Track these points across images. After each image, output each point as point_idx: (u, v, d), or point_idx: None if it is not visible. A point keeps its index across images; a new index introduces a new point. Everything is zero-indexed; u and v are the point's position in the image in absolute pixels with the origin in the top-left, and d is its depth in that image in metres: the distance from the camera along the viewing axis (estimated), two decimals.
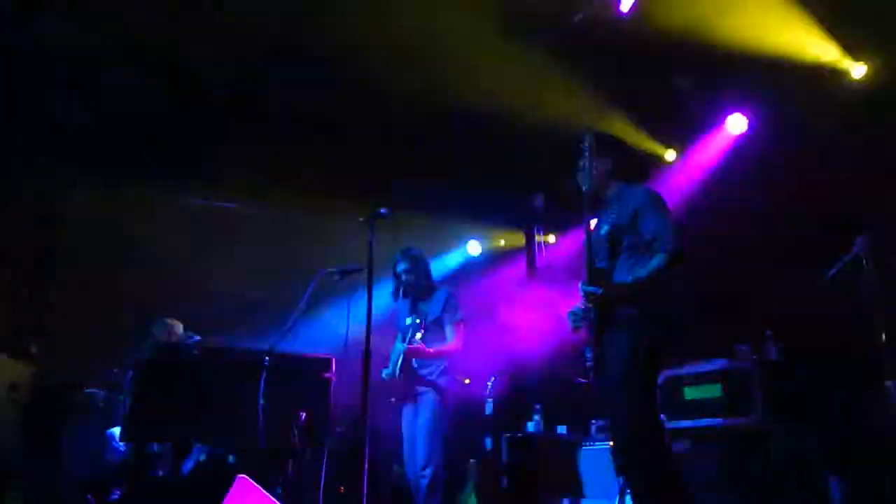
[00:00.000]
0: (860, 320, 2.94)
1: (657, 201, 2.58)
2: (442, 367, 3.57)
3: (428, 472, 3.37)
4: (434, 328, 3.59)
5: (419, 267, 3.68)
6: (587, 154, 2.63)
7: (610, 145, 2.76)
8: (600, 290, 2.42)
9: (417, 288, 3.67)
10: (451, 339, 3.57)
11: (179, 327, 4.60)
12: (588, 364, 2.51)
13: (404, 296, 3.72)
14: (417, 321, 3.45)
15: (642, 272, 2.45)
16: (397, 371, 3.52)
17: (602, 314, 2.46)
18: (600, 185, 2.69)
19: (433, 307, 3.63)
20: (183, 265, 5.73)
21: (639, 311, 2.45)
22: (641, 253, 2.52)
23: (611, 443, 4.23)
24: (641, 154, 2.83)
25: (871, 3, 3.78)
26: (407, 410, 3.59)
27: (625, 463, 2.37)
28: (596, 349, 2.48)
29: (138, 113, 5.11)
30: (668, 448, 2.43)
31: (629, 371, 2.37)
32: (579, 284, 2.49)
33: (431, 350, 3.51)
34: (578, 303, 2.58)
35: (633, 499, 2.35)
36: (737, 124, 4.79)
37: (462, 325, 3.63)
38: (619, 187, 2.70)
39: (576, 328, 2.60)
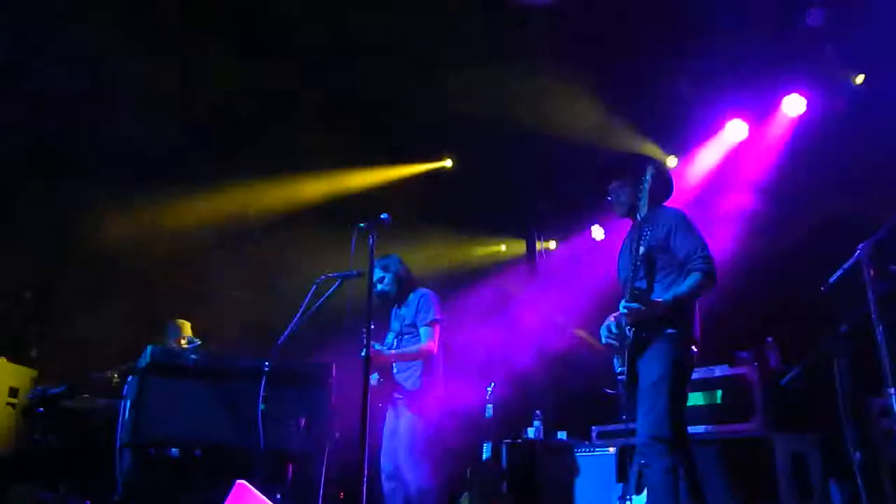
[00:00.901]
0: (861, 327, 2.94)
1: (688, 222, 2.73)
2: (419, 371, 3.51)
3: (413, 478, 3.33)
4: (411, 331, 3.57)
5: (391, 273, 3.66)
6: (637, 182, 2.78)
7: (642, 166, 2.85)
8: (641, 307, 2.55)
9: (394, 294, 3.66)
10: (423, 341, 3.52)
11: (188, 327, 4.65)
12: (619, 378, 2.68)
13: (385, 304, 3.72)
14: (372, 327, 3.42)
15: (680, 290, 2.60)
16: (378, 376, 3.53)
17: (641, 331, 2.60)
18: (635, 206, 2.81)
19: (409, 310, 3.61)
20: (184, 270, 5.74)
21: (678, 330, 2.60)
22: (675, 272, 2.68)
23: (611, 449, 4.23)
24: (669, 172, 2.94)
25: None
26: (389, 416, 3.56)
27: (645, 459, 2.45)
28: (629, 365, 2.63)
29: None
30: (692, 458, 2.54)
31: (666, 383, 2.52)
32: (621, 302, 2.62)
33: (393, 353, 3.51)
34: (612, 318, 2.74)
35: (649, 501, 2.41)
36: (736, 130, 4.80)
37: (435, 326, 3.55)
38: (651, 207, 2.79)
39: (607, 344, 2.74)
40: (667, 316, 2.57)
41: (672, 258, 2.68)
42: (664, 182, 2.91)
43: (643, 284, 2.66)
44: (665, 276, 2.69)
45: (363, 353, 3.33)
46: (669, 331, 2.60)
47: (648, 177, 2.73)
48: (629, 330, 2.62)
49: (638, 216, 2.77)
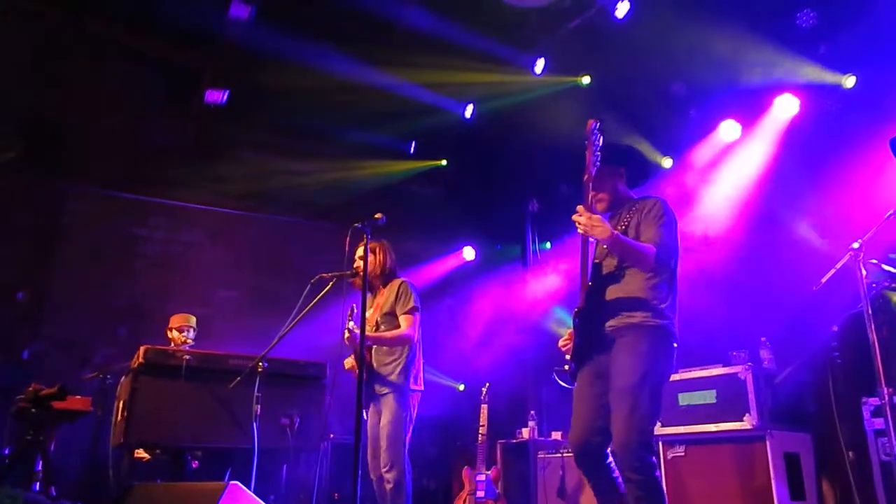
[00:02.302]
0: (853, 326, 2.96)
1: (663, 211, 2.59)
2: (401, 366, 3.44)
3: (391, 476, 3.26)
4: (390, 319, 3.52)
5: (375, 260, 3.58)
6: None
7: (622, 154, 2.76)
8: (610, 229, 2.39)
9: (375, 277, 3.59)
10: (403, 329, 3.45)
11: (193, 320, 4.65)
12: (562, 370, 2.58)
13: (370, 290, 3.62)
14: (353, 311, 3.29)
15: (638, 244, 2.47)
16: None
17: (603, 321, 2.50)
18: (611, 194, 2.71)
19: (388, 298, 3.56)
20: (178, 270, 5.71)
21: (654, 321, 2.48)
22: None
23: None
24: (645, 160, 2.83)
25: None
26: (371, 411, 3.48)
27: (630, 466, 2.34)
28: (579, 357, 2.53)
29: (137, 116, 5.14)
30: None
31: (648, 380, 2.40)
32: (585, 204, 2.44)
33: (370, 336, 3.37)
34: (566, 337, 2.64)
35: (634, 501, 2.34)
36: (730, 131, 4.82)
37: (415, 315, 3.49)
38: (628, 196, 2.73)
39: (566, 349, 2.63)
40: (627, 251, 2.43)
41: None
42: (640, 165, 2.80)
43: (614, 271, 2.53)
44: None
45: (346, 335, 3.31)
46: (645, 321, 2.44)
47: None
48: (577, 314, 2.49)
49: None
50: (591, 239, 2.48)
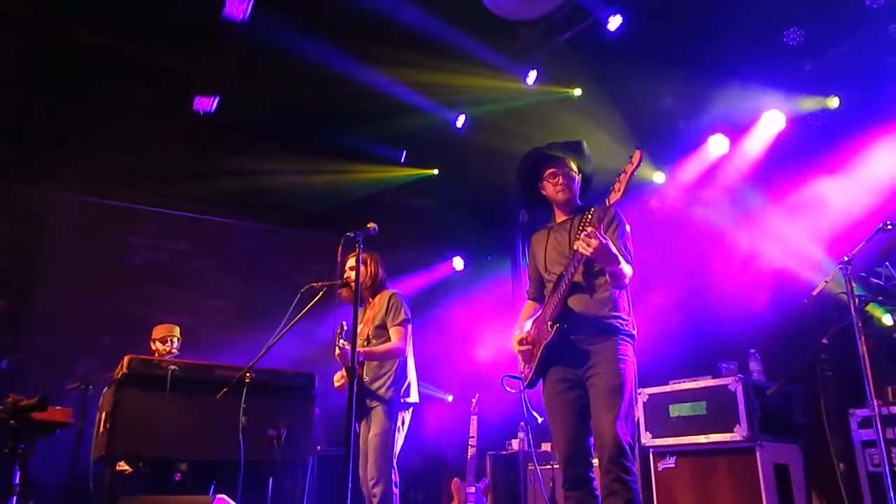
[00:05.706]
0: (842, 338, 2.99)
1: (627, 227, 2.65)
2: (390, 379, 3.39)
3: (377, 490, 3.22)
4: (380, 332, 3.48)
5: (366, 272, 3.54)
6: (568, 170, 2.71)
7: (585, 161, 2.79)
8: (605, 242, 2.36)
9: (364, 289, 3.55)
10: (394, 341, 3.41)
11: (176, 330, 4.58)
12: (514, 378, 2.61)
13: (347, 299, 3.50)
14: (344, 328, 3.25)
15: (624, 266, 2.48)
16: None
17: (573, 330, 2.51)
18: (572, 199, 2.74)
19: (379, 311, 3.53)
20: (164, 279, 5.63)
21: (631, 332, 2.55)
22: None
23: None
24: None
25: None
26: (363, 425, 3.43)
27: (617, 477, 2.33)
28: (542, 365, 2.54)
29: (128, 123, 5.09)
30: None
31: (629, 385, 2.44)
32: (586, 232, 2.39)
33: (361, 351, 3.33)
34: (520, 332, 2.66)
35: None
36: (719, 145, 4.87)
37: (406, 327, 3.46)
38: (584, 202, 2.76)
39: (525, 352, 2.63)
40: (614, 264, 2.40)
41: None
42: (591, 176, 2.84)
43: (581, 279, 2.53)
44: (602, 271, 2.52)
45: (336, 352, 3.26)
46: (620, 331, 2.49)
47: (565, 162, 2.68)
48: (552, 326, 2.48)
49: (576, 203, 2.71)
50: (579, 256, 2.47)
